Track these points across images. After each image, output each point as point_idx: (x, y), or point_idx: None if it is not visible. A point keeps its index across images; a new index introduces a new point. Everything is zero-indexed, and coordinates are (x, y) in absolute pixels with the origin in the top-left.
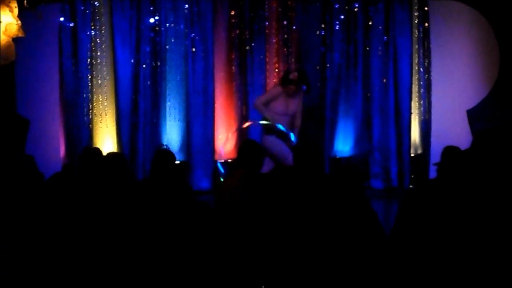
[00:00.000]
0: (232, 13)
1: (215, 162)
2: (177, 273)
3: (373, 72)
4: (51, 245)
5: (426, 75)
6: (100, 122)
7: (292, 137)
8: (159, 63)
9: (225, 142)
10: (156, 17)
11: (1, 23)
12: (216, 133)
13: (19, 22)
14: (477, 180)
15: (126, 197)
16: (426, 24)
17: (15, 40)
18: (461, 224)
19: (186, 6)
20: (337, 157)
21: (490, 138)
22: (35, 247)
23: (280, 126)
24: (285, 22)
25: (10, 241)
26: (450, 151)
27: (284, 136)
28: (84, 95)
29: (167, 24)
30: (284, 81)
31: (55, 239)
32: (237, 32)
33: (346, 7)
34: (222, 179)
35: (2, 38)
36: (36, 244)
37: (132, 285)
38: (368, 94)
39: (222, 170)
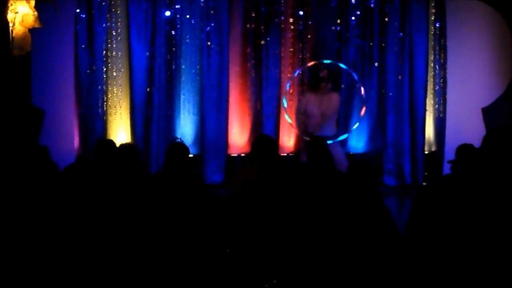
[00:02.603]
0: (248, 7)
1: (228, 156)
2: (188, 265)
3: (388, 69)
4: (64, 235)
5: (442, 72)
6: (115, 114)
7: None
8: (174, 56)
9: None
10: (172, 10)
11: (18, 14)
12: (229, 127)
13: (36, 13)
14: (491, 178)
15: (139, 188)
16: (442, 21)
17: (31, 31)
18: (475, 222)
19: None
20: (351, 153)
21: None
22: (49, 237)
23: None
24: (300, 17)
25: (24, 231)
26: (465, 149)
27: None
28: (99, 87)
29: (183, 18)
30: (315, 80)
31: (68, 229)
32: (253, 26)
33: (362, 3)
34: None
35: (18, 28)
36: (49, 234)
37: (144, 276)
38: (383, 91)
39: None
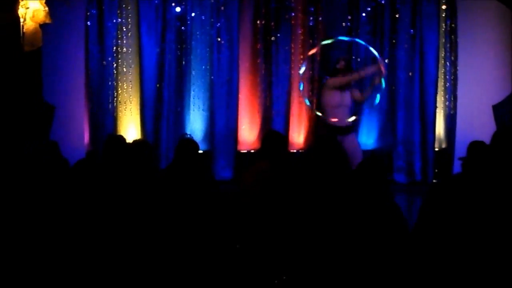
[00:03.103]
0: (258, 3)
1: (238, 152)
2: (198, 261)
3: (399, 65)
4: (74, 230)
5: (453, 69)
6: (125, 110)
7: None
8: (184, 52)
9: None
10: (182, 6)
11: (29, 10)
12: (239, 123)
13: (47, 8)
14: (502, 176)
15: (149, 184)
16: (454, 18)
17: (42, 26)
18: (486, 220)
19: None
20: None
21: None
22: (59, 232)
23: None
24: (311, 13)
25: (34, 225)
26: (476, 146)
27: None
28: (109, 83)
29: (193, 14)
30: (332, 72)
31: (78, 224)
32: (263, 22)
33: None
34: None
35: (29, 24)
36: (60, 229)
37: (154, 272)
38: (393, 87)
39: None
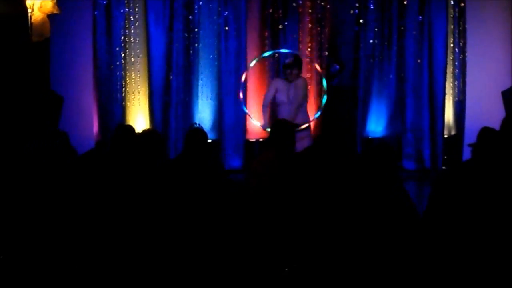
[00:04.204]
0: None
1: (247, 141)
2: (207, 251)
3: (407, 52)
4: (84, 220)
5: (461, 56)
6: (133, 100)
7: None
8: (192, 42)
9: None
10: None
11: (37, 0)
12: (248, 112)
13: None
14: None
15: (158, 174)
16: (462, 4)
17: (50, 17)
18: (495, 207)
19: None
20: (370, 137)
21: None
22: (69, 222)
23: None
24: (318, 1)
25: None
26: (486, 132)
27: None
28: (117, 73)
29: (200, 3)
30: (283, 67)
31: (88, 214)
32: (270, 11)
33: None
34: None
35: (37, 14)
36: (69, 219)
37: (164, 262)
38: (402, 74)
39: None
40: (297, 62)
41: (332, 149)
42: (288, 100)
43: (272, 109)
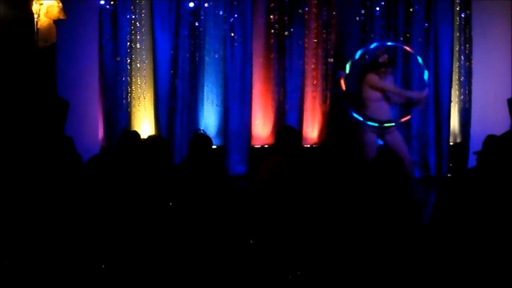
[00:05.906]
0: None
1: (252, 147)
2: (212, 256)
3: (413, 59)
4: (88, 225)
5: (467, 63)
6: (138, 105)
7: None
8: (197, 48)
9: None
10: (196, 2)
11: (43, 5)
12: (253, 118)
13: (60, 4)
14: None
15: (163, 180)
16: (468, 12)
17: (56, 22)
18: (501, 214)
19: None
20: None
21: None
22: (73, 227)
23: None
24: (324, 8)
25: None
26: (492, 140)
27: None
28: (123, 78)
29: (206, 9)
30: (374, 66)
31: (92, 219)
32: (276, 17)
33: None
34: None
35: (43, 20)
36: (74, 224)
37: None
38: (408, 81)
39: None
40: (391, 61)
41: (338, 154)
42: (383, 96)
43: (362, 104)
